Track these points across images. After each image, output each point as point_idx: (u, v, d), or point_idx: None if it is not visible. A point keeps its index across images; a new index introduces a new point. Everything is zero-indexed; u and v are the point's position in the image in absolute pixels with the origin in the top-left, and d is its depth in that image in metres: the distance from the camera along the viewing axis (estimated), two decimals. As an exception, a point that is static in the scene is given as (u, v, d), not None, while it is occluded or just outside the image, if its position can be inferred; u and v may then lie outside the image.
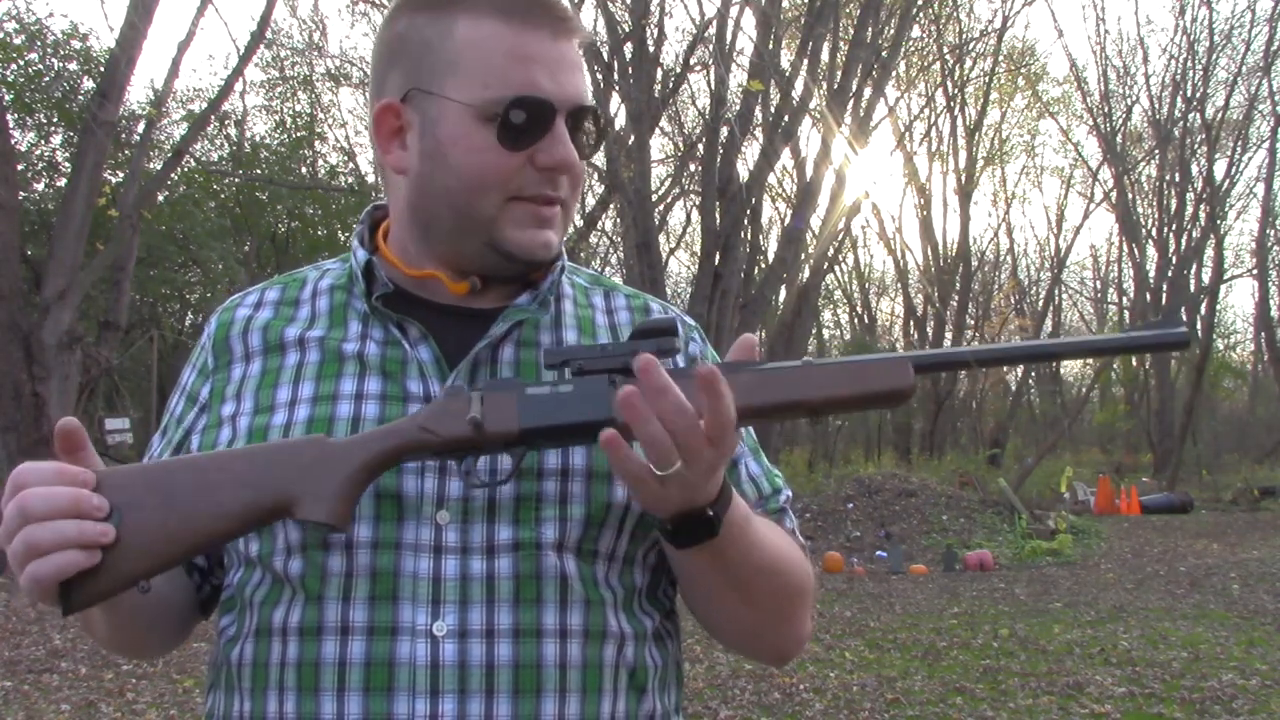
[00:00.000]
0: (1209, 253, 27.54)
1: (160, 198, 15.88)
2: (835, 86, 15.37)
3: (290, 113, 23.20)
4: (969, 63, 27.62)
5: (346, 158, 24.39)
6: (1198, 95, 25.87)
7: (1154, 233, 27.85)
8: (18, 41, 16.36)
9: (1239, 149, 26.99)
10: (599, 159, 16.41)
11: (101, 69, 13.25)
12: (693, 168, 19.59)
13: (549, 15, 1.03)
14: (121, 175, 14.79)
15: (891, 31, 16.70)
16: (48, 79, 16.78)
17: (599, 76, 15.08)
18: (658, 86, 15.73)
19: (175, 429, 1.12)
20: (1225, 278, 28.81)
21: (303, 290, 1.15)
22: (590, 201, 21.65)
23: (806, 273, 17.21)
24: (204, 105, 16.55)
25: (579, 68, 1.05)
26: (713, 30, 15.62)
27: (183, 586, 1.12)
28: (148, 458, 1.14)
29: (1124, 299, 32.88)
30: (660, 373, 0.86)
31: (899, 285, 31.71)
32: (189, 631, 1.17)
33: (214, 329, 1.15)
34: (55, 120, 17.30)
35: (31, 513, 0.85)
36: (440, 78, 1.03)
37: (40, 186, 18.27)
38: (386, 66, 1.07)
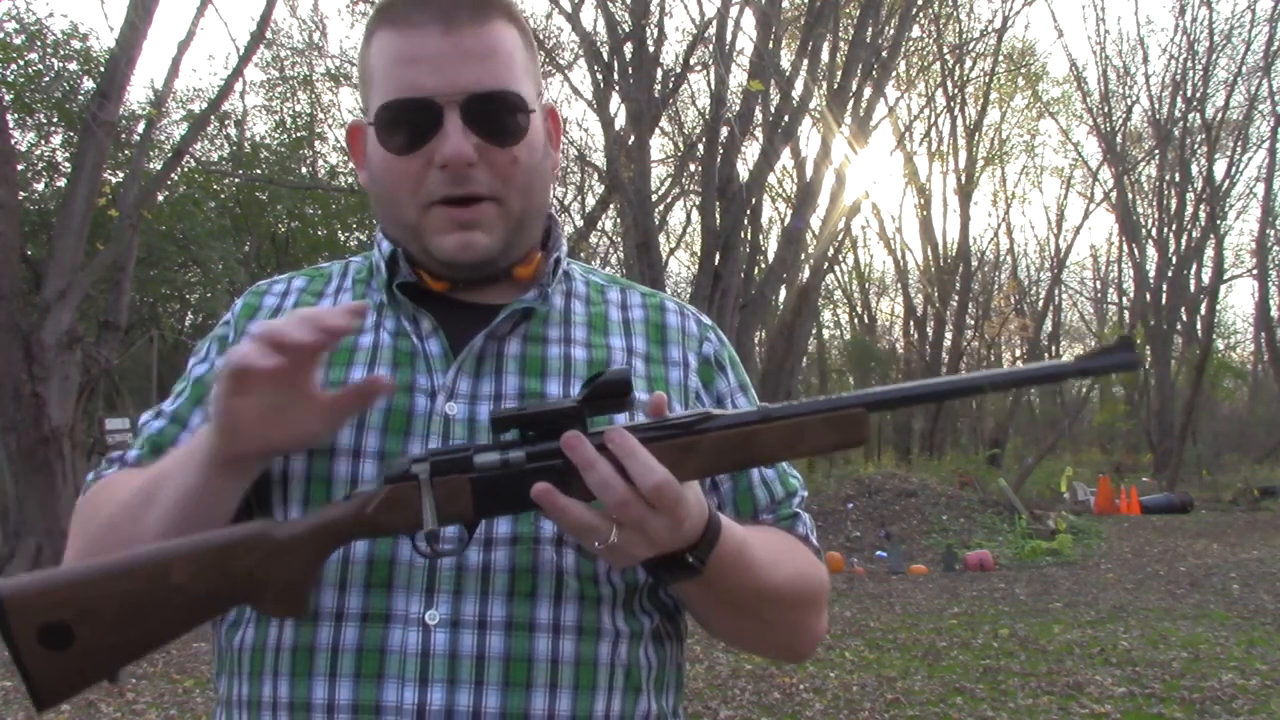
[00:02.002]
0: (1209, 253, 27.53)
1: (160, 198, 15.85)
2: (835, 86, 15.35)
3: (290, 113, 23.19)
4: (969, 63, 27.58)
5: (346, 158, 24.37)
6: (1198, 95, 25.84)
7: (1154, 233, 27.81)
8: (18, 41, 16.34)
9: (1239, 149, 26.95)
10: (599, 159, 16.42)
11: (101, 69, 13.23)
12: (693, 168, 19.56)
13: (435, 10, 1.01)
14: (121, 175, 14.78)
15: (891, 31, 16.68)
16: (48, 79, 16.75)
17: (599, 76, 15.07)
18: (658, 86, 15.70)
19: (193, 387, 1.13)
20: (1225, 278, 28.78)
21: (328, 284, 1.18)
22: (590, 201, 21.65)
23: (806, 273, 17.18)
24: (204, 105, 16.54)
25: (482, 54, 1.02)
26: (713, 30, 15.60)
27: None
28: (155, 411, 1.15)
29: (1124, 299, 32.88)
30: (584, 449, 0.87)
31: (899, 285, 31.73)
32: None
33: (239, 308, 1.18)
34: (55, 120, 17.28)
35: None
36: (367, 97, 1.06)
37: (40, 186, 18.25)
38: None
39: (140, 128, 15.66)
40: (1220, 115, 26.21)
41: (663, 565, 0.93)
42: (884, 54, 16.44)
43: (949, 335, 28.37)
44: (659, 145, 21.34)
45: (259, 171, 20.17)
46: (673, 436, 0.92)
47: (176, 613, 0.89)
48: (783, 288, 17.47)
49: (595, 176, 18.65)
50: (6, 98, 14.00)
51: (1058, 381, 0.98)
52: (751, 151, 17.10)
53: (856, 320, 34.21)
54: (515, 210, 1.07)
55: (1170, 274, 26.94)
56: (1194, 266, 27.95)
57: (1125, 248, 30.11)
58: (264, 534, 0.92)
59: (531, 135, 1.06)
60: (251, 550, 0.91)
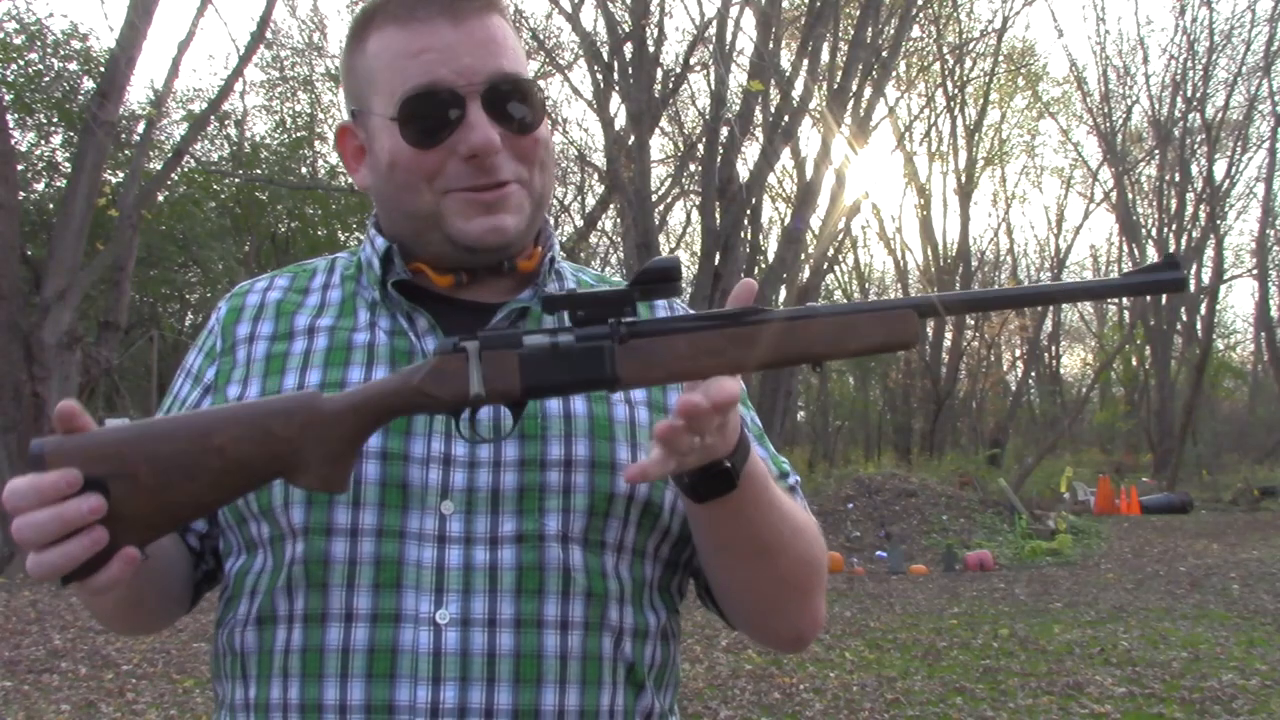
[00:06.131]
0: (1209, 253, 27.54)
1: (160, 198, 15.88)
2: (835, 86, 15.36)
3: (290, 113, 23.20)
4: (969, 63, 27.61)
5: (346, 158, 24.37)
6: (1198, 95, 25.84)
7: (1154, 233, 27.82)
8: (18, 41, 16.37)
9: (1239, 149, 26.97)
10: (599, 159, 16.42)
11: (101, 69, 13.25)
12: (693, 168, 19.57)
13: (438, 4, 1.02)
14: (121, 175, 14.79)
15: (891, 31, 16.69)
16: (48, 79, 16.78)
17: (599, 76, 15.08)
18: (658, 86, 15.70)
19: (178, 410, 1.13)
20: (1225, 278, 28.83)
21: (313, 280, 1.17)
22: (590, 201, 21.66)
23: (806, 273, 17.20)
24: (204, 105, 16.54)
25: (494, 43, 1.03)
26: (713, 30, 15.61)
27: (182, 557, 1.12)
28: None
29: (1124, 299, 32.85)
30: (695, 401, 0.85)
31: (899, 285, 31.71)
32: (181, 612, 1.17)
33: (224, 313, 1.16)
34: (55, 120, 17.31)
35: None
36: (367, 96, 1.05)
37: (40, 186, 18.28)
38: (344, 96, 1.12)
39: (140, 128, 15.67)
40: (1220, 115, 26.24)
41: (701, 477, 0.93)
42: (884, 54, 16.45)
43: (949, 335, 28.38)
44: (659, 145, 21.38)
45: (259, 171, 20.17)
46: (720, 326, 0.93)
47: (216, 478, 0.88)
48: (783, 288, 17.48)
49: (595, 176, 18.70)
50: (6, 98, 14.00)
51: (1102, 299, 1.02)
52: (751, 151, 17.12)
53: (856, 320, 34.12)
54: (538, 189, 1.07)
55: (1170, 274, 26.88)
56: (1194, 266, 27.94)
57: (1125, 248, 30.12)
58: (309, 403, 0.91)
59: (544, 120, 1.07)
60: (294, 418, 0.90)
